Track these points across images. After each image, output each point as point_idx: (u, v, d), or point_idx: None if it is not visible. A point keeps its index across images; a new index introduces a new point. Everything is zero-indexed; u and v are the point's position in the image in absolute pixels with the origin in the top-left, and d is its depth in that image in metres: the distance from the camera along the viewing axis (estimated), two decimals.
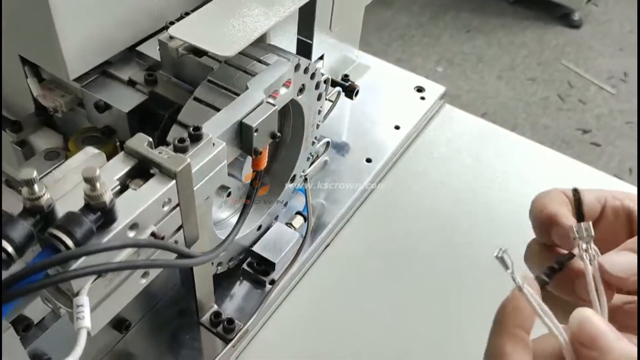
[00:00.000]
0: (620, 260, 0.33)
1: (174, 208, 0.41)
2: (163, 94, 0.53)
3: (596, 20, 2.83)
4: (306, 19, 0.69)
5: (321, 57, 0.80)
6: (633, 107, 2.40)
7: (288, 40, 0.68)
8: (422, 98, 0.89)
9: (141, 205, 0.37)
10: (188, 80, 0.54)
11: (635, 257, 0.33)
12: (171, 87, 0.54)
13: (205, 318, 0.60)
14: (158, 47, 0.54)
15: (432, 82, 0.92)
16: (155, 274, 0.42)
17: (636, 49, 2.67)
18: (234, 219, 0.64)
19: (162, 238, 0.39)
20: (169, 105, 0.53)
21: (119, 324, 0.57)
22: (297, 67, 0.53)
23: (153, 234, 0.39)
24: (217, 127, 0.45)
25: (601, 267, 0.33)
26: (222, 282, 0.65)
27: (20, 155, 0.57)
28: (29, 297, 0.44)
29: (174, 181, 0.39)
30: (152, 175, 0.39)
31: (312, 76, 0.57)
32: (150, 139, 0.40)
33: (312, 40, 0.74)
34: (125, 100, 0.53)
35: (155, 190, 0.38)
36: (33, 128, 0.58)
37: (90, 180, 0.34)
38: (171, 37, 0.52)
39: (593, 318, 0.30)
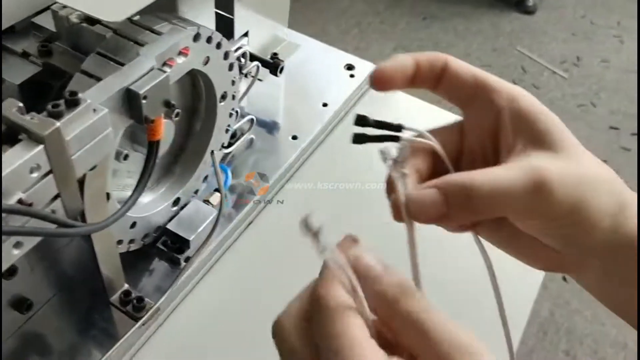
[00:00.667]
0: (422, 199, 0.34)
1: (46, 175, 0.39)
2: (57, 65, 0.52)
3: (550, 6, 2.87)
4: None
5: (246, 34, 0.79)
6: (585, 90, 2.44)
7: (205, 15, 0.67)
8: (352, 76, 0.89)
9: (4, 170, 0.36)
10: (84, 51, 0.52)
11: (437, 198, 0.33)
12: (67, 59, 0.52)
13: (115, 297, 0.59)
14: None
15: (362, 60, 0.92)
16: (30, 245, 0.41)
17: (589, 34, 2.71)
18: (144, 197, 0.63)
19: (30, 205, 0.38)
20: (64, 77, 0.51)
21: (19, 303, 0.55)
22: (197, 37, 0.52)
23: (20, 201, 0.37)
24: (100, 95, 0.44)
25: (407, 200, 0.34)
26: (138, 262, 0.64)
27: None
28: None
29: (41, 146, 0.38)
30: (19, 141, 0.38)
31: (218, 46, 0.56)
32: (21, 104, 0.39)
33: (232, 14, 0.72)
34: (17, 72, 0.51)
35: (20, 155, 0.37)
36: None
37: None
38: (64, 6, 0.51)
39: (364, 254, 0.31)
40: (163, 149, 0.60)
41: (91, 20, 0.51)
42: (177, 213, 0.65)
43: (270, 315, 0.32)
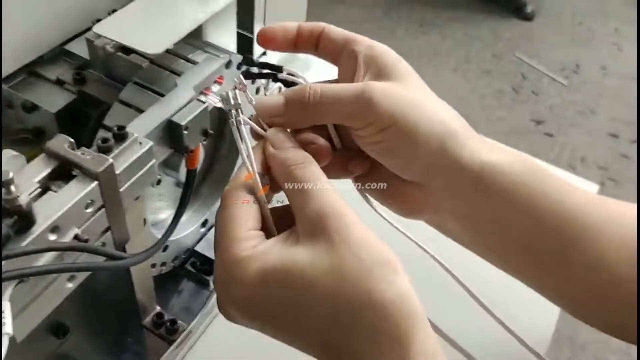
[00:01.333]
0: (267, 101, 0.41)
1: (99, 209, 0.40)
2: (92, 94, 0.52)
3: (548, 13, 2.89)
4: (245, 12, 0.69)
5: (264, 53, 0.80)
6: (584, 97, 2.46)
7: (227, 35, 0.68)
8: None
9: (62, 207, 0.37)
10: (118, 79, 0.53)
11: (280, 100, 0.40)
12: (101, 87, 0.53)
13: (148, 320, 0.60)
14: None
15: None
16: (82, 278, 0.42)
17: (587, 41, 2.74)
18: None
19: (86, 241, 0.38)
20: (99, 105, 0.52)
21: (57, 329, 0.55)
22: (228, 64, 0.53)
23: (77, 237, 0.38)
24: (144, 127, 0.45)
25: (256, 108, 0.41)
26: (167, 283, 0.65)
27: None
28: None
29: (96, 182, 0.38)
30: (74, 177, 0.39)
31: (247, 73, 0.57)
32: (72, 140, 0.40)
33: (253, 34, 0.73)
34: (53, 100, 0.52)
35: (76, 192, 0.38)
36: None
37: (4, 184, 0.33)
38: (99, 35, 0.51)
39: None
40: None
41: (126, 50, 0.52)
42: (204, 234, 0.66)
43: None
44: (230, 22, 0.67)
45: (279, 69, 0.44)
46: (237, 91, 0.39)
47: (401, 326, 0.33)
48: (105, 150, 0.40)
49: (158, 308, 0.61)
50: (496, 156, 0.41)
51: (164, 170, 0.58)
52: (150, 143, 0.43)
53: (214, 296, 0.63)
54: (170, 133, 0.47)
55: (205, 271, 0.64)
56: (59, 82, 0.53)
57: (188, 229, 0.63)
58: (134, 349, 0.59)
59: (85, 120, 0.52)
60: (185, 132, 0.47)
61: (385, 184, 0.44)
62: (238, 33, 0.70)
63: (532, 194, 0.40)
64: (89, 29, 0.56)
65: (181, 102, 0.47)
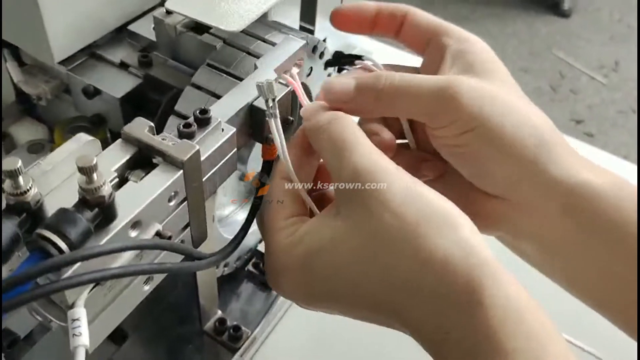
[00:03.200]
0: (336, 82, 0.37)
1: (181, 203, 0.35)
2: (159, 77, 0.48)
3: (585, 9, 2.81)
4: (308, 5, 0.64)
5: (324, 40, 0.75)
6: (624, 96, 2.38)
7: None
8: None
9: (145, 200, 0.32)
10: (187, 62, 0.48)
11: (350, 84, 0.37)
12: (168, 70, 0.48)
13: (209, 325, 0.55)
14: (153, 26, 0.49)
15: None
16: (159, 280, 0.37)
17: (626, 38, 2.65)
18: (238, 215, 0.59)
19: (169, 238, 0.34)
20: (167, 90, 0.47)
21: (116, 335, 0.51)
22: (314, 49, 0.48)
23: (158, 233, 0.33)
24: (224, 112, 0.40)
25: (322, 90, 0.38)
26: (225, 285, 0.60)
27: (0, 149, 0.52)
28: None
29: (181, 171, 0.34)
30: (155, 166, 0.34)
31: (321, 55, 0.52)
32: (152, 124, 0.35)
33: (314, 25, 0.69)
34: (117, 84, 0.47)
35: (160, 182, 0.33)
36: (14, 118, 0.52)
37: (86, 171, 0.28)
38: (168, 13, 0.47)
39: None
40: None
41: (197, 29, 0.47)
42: None
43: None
44: (294, 13, 0.63)
45: (359, 57, 0.42)
46: (274, 82, 0.37)
47: (466, 283, 0.29)
48: (187, 135, 0.36)
49: (220, 313, 0.56)
50: (590, 176, 0.35)
51: None
52: (233, 129, 0.38)
53: (279, 299, 0.59)
54: (251, 119, 0.42)
55: None
56: (123, 65, 0.49)
57: (251, 228, 0.58)
58: (194, 356, 0.54)
59: (150, 106, 0.48)
60: (267, 118, 0.42)
61: (458, 192, 0.38)
62: (300, 26, 0.66)
63: (629, 223, 0.34)
64: (154, 8, 0.52)
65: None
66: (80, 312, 0.30)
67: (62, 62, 0.48)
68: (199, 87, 0.44)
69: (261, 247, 0.60)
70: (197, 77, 0.45)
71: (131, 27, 0.51)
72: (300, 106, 0.40)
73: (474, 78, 0.36)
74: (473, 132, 0.35)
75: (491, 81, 0.37)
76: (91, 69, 0.48)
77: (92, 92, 0.47)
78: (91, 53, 0.49)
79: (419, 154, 0.42)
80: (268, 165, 0.46)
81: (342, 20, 0.42)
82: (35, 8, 0.43)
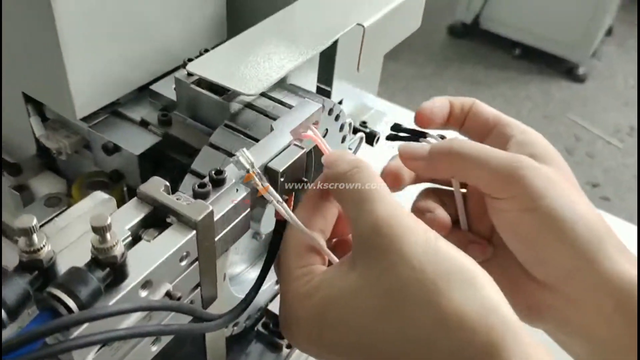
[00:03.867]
0: (410, 147, 0.41)
1: (192, 263, 0.35)
2: (178, 136, 0.48)
3: (600, 75, 2.84)
4: (326, 67, 0.66)
5: (340, 102, 0.76)
6: None
7: (308, 88, 0.64)
8: None
9: (156, 260, 0.32)
10: (206, 122, 0.49)
11: (425, 147, 0.40)
12: (187, 129, 0.49)
13: None
14: (174, 86, 0.50)
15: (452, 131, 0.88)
16: (167, 340, 0.37)
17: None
18: (249, 274, 0.58)
19: (179, 299, 0.33)
20: (185, 149, 0.48)
21: None
22: (331, 111, 0.49)
23: (168, 294, 0.33)
24: (239, 173, 0.40)
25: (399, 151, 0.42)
26: (234, 345, 0.59)
27: (19, 200, 0.52)
28: None
29: (194, 232, 0.34)
30: (168, 225, 0.34)
31: (337, 118, 0.53)
32: (167, 184, 0.36)
33: (331, 87, 0.70)
34: (136, 141, 0.48)
35: (172, 242, 0.33)
36: (34, 171, 0.53)
37: (99, 230, 0.28)
38: (189, 75, 0.48)
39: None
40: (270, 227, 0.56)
41: (216, 91, 0.48)
42: (278, 293, 0.61)
43: None
44: (311, 74, 0.64)
45: (423, 134, 0.44)
46: (247, 153, 0.38)
47: (486, 343, 0.28)
48: (201, 195, 0.36)
49: None
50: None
51: None
52: (247, 190, 0.39)
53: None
54: (267, 180, 0.42)
55: (279, 334, 0.58)
56: (144, 124, 0.50)
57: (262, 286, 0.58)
58: None
59: (168, 164, 0.48)
60: (282, 179, 0.42)
61: (508, 278, 0.39)
62: (318, 87, 0.67)
63: None
64: (176, 69, 0.54)
65: (278, 148, 0.43)
66: None
67: (84, 119, 0.49)
68: (216, 147, 0.45)
69: (271, 307, 0.60)
70: (214, 137, 0.45)
71: (153, 87, 0.52)
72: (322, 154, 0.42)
73: (538, 163, 0.38)
74: (535, 212, 0.36)
75: (553, 169, 0.38)
76: (112, 126, 0.50)
77: (111, 149, 0.48)
78: (113, 111, 0.51)
79: (469, 235, 0.42)
80: (281, 225, 0.47)
81: (424, 121, 0.44)
82: (61, 65, 0.45)
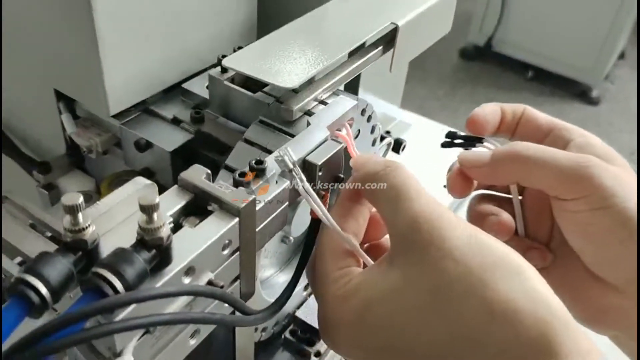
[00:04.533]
0: (471, 154, 0.40)
1: (234, 252, 0.34)
2: (210, 133, 0.48)
3: (614, 98, 2.83)
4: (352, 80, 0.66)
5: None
6: None
7: None
8: None
9: (200, 246, 0.31)
10: (238, 120, 0.49)
11: (486, 153, 0.39)
12: (219, 126, 0.48)
13: None
14: (206, 85, 0.49)
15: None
16: (205, 334, 0.35)
17: None
18: (279, 278, 0.57)
19: (221, 287, 0.32)
20: (217, 146, 0.48)
21: None
22: (363, 111, 0.49)
23: (210, 282, 0.32)
24: (276, 165, 0.40)
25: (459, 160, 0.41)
26: (260, 353, 0.58)
27: (47, 199, 0.52)
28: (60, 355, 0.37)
29: (236, 219, 0.33)
30: (209, 213, 0.33)
31: (369, 119, 0.52)
32: (209, 171, 0.35)
33: (357, 91, 0.70)
34: (168, 138, 0.48)
35: (216, 229, 0.32)
36: (63, 170, 0.52)
37: (147, 210, 0.28)
38: (223, 72, 0.48)
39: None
40: (301, 230, 0.55)
41: (250, 88, 0.48)
42: (306, 299, 0.59)
43: None
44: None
45: (479, 139, 0.43)
46: (291, 152, 0.38)
47: (538, 337, 0.27)
48: (242, 184, 0.35)
49: None
50: None
51: None
52: (287, 182, 0.38)
53: None
54: (305, 175, 0.42)
55: (307, 341, 0.57)
56: (176, 121, 0.49)
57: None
58: None
59: (200, 161, 0.47)
60: (320, 173, 0.41)
61: (570, 283, 0.38)
62: None
63: None
64: (206, 70, 0.53)
65: (316, 142, 0.42)
66: None
67: (116, 116, 0.48)
68: (250, 143, 0.44)
69: (299, 314, 0.58)
70: (249, 133, 0.45)
71: (185, 85, 0.51)
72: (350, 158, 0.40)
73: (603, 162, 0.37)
74: (607, 211, 0.35)
75: (619, 168, 0.37)
76: (144, 123, 0.49)
77: (143, 146, 0.47)
78: (145, 109, 0.50)
79: (526, 242, 0.41)
80: (315, 224, 0.46)
81: (477, 127, 0.43)
82: (97, 62, 0.44)
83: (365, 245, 0.41)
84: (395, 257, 0.32)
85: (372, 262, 0.36)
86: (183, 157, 0.48)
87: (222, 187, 0.34)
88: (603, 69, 2.68)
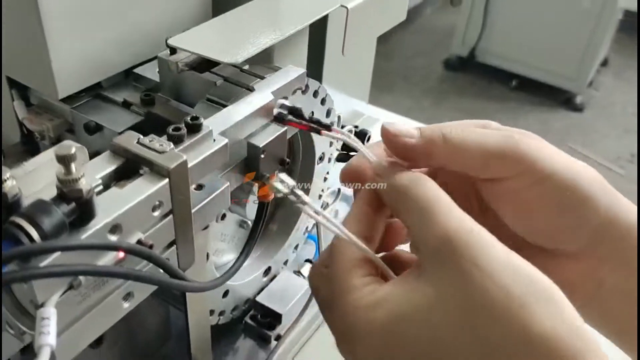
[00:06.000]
0: (399, 124, 0.36)
1: (167, 215, 0.34)
2: (160, 114, 0.48)
3: (598, 104, 2.85)
4: (315, 67, 0.66)
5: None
6: None
7: None
8: None
9: (126, 204, 0.31)
10: (188, 102, 0.49)
11: (415, 129, 0.35)
12: (170, 108, 0.49)
13: None
14: (157, 69, 0.50)
15: None
16: (140, 299, 0.35)
17: None
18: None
19: (151, 247, 0.32)
20: (167, 127, 0.48)
21: None
22: (306, 88, 0.49)
23: (139, 242, 0.32)
24: (217, 126, 0.40)
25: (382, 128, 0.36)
26: (222, 338, 0.58)
27: None
28: None
29: (166, 180, 0.33)
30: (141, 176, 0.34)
31: (323, 102, 0.53)
32: (141, 136, 0.35)
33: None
34: (118, 121, 0.48)
35: (143, 189, 0.32)
36: (16, 158, 0.52)
37: (64, 160, 0.28)
38: (172, 53, 0.48)
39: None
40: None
41: (199, 68, 0.48)
42: (266, 285, 0.59)
43: None
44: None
45: None
46: (284, 176, 0.38)
47: None
48: (176, 139, 0.35)
49: None
50: None
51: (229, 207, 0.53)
52: (226, 140, 0.38)
53: (276, 354, 0.56)
54: (246, 157, 0.42)
55: (268, 325, 0.57)
56: (126, 104, 0.50)
57: (249, 276, 0.56)
58: None
59: None
60: (262, 156, 0.42)
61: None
62: None
63: None
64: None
65: (259, 104, 0.42)
66: (49, 311, 0.28)
67: (67, 101, 0.49)
68: None
69: (260, 298, 0.58)
70: (195, 111, 0.45)
71: (137, 70, 0.52)
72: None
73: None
74: (546, 183, 0.33)
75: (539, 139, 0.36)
76: (94, 107, 0.49)
77: (93, 128, 0.48)
78: (96, 94, 0.51)
79: None
80: (262, 207, 0.46)
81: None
82: (43, 44, 0.45)
83: (379, 255, 0.38)
84: (426, 272, 0.30)
85: (393, 275, 0.34)
86: None
87: (154, 140, 0.34)
88: (586, 76, 2.71)
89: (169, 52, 0.48)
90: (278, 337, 0.57)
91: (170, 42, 0.45)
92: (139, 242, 0.32)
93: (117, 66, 0.51)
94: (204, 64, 0.48)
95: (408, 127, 0.36)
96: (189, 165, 0.34)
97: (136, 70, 0.52)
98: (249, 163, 0.43)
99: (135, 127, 0.48)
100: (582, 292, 0.36)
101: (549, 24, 2.66)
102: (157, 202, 0.33)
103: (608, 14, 2.53)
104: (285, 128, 0.44)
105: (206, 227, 0.41)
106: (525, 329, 0.27)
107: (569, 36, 2.64)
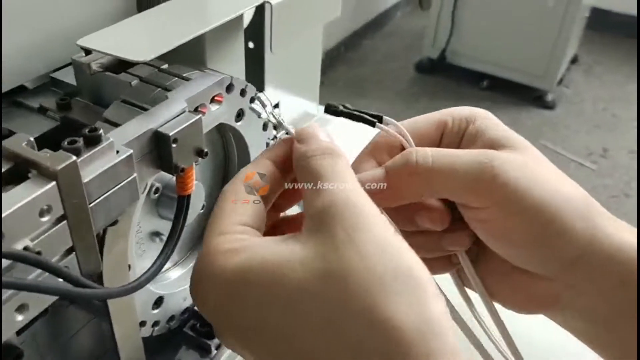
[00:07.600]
0: (366, 175, 0.36)
1: (59, 221, 0.32)
2: (77, 118, 0.46)
3: (569, 101, 2.87)
4: (255, 63, 0.65)
5: (276, 105, 0.75)
6: (615, 182, 2.37)
7: None
8: None
9: (7, 209, 0.29)
10: (107, 104, 0.47)
11: (379, 170, 0.36)
12: (88, 112, 0.47)
13: None
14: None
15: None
16: (36, 311, 0.33)
17: (612, 127, 2.69)
18: (173, 273, 0.55)
19: (38, 253, 0.30)
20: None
21: None
22: (230, 87, 0.47)
23: (26, 249, 0.30)
24: (123, 137, 0.38)
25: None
26: (163, 350, 0.55)
27: None
28: None
29: (53, 183, 0.31)
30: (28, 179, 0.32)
31: (252, 100, 0.51)
32: (32, 138, 0.33)
33: (262, 87, 0.69)
34: (32, 127, 0.46)
35: (28, 192, 0.30)
36: None
37: None
38: (86, 54, 0.46)
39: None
40: (192, 216, 0.53)
41: (114, 69, 0.46)
42: None
43: None
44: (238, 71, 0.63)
45: (379, 117, 0.43)
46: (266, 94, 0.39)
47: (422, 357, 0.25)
48: (71, 152, 0.34)
49: None
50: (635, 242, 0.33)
51: (159, 213, 0.51)
52: (130, 151, 0.36)
53: None
54: (158, 148, 0.40)
55: (207, 334, 0.55)
56: (42, 110, 0.48)
57: (185, 284, 0.54)
58: None
59: None
60: (174, 145, 0.40)
61: (500, 275, 0.37)
62: None
63: None
64: None
65: (171, 114, 0.41)
66: None
67: None
68: (109, 122, 0.43)
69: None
70: (108, 112, 0.43)
71: (54, 75, 0.50)
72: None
73: (507, 152, 0.34)
74: (523, 214, 0.33)
75: (522, 153, 0.35)
76: (9, 115, 0.47)
77: (7, 136, 0.45)
78: (12, 101, 0.49)
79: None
80: (182, 202, 0.44)
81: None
82: None
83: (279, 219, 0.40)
84: (302, 234, 0.30)
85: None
86: (49, 146, 0.46)
87: (48, 153, 0.33)
88: (555, 73, 2.73)
89: (84, 54, 0.47)
90: (218, 347, 0.54)
91: (80, 42, 0.43)
92: (26, 249, 0.30)
93: (31, 72, 0.49)
94: (121, 65, 0.47)
95: (373, 172, 0.36)
96: (88, 178, 0.32)
97: (53, 75, 0.50)
98: (161, 154, 0.41)
99: (50, 132, 0.46)
100: (546, 307, 0.36)
101: (516, 24, 2.68)
102: (45, 207, 0.31)
103: (573, 12, 2.55)
104: (199, 116, 0.42)
105: (114, 224, 0.39)
106: (373, 311, 0.26)
107: (536, 35, 2.66)
